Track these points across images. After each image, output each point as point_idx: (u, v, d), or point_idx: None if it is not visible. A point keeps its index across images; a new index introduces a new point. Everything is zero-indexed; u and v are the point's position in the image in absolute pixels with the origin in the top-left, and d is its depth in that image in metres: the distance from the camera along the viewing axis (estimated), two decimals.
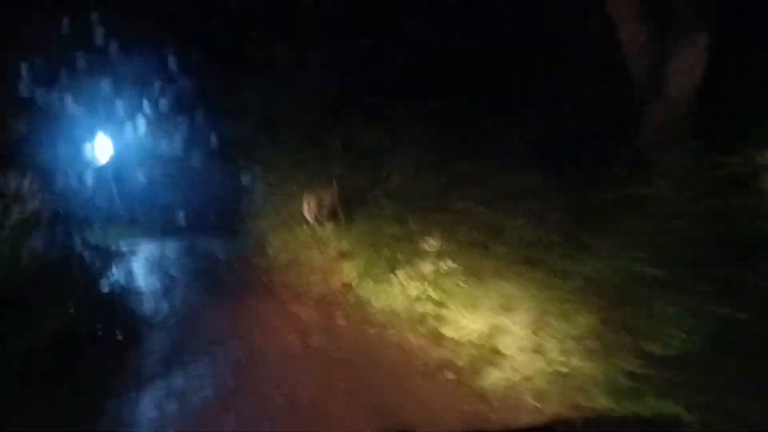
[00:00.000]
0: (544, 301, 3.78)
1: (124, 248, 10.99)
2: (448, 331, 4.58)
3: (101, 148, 11.71)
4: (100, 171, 11.21)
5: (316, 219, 7.62)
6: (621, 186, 3.41)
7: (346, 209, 7.10)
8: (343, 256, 6.81)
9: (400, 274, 5.61)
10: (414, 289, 5.41)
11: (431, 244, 5.21)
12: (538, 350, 3.60)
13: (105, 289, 7.70)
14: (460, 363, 4.32)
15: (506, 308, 4.00)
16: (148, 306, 6.85)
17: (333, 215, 7.41)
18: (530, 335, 3.63)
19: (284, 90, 7.30)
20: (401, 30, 5.84)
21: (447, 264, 5.01)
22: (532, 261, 3.90)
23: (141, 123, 11.44)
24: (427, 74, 5.75)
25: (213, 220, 11.93)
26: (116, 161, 12.07)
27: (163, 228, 13.16)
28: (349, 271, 6.60)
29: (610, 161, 3.86)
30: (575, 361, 3.32)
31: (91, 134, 10.87)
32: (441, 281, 5.02)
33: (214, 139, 10.35)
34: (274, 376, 4.49)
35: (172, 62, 10.06)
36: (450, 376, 4.29)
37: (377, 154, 6.30)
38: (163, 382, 4.50)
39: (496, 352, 3.96)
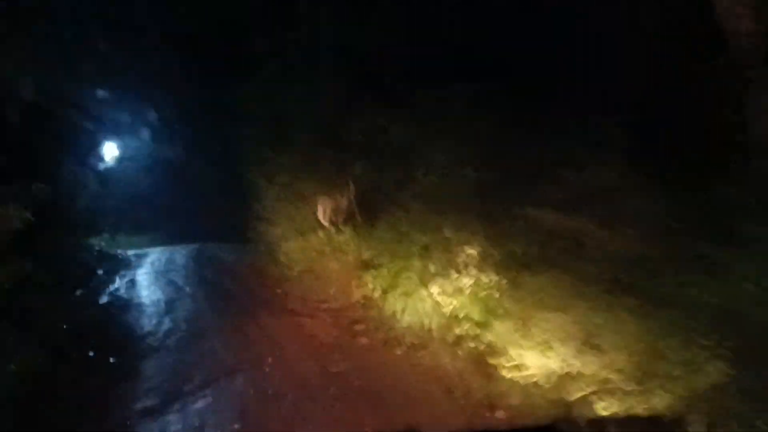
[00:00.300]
0: (648, 339, 2.79)
1: (129, 255, 10.56)
2: (498, 363, 3.74)
3: (106, 153, 11.44)
4: (106, 176, 10.85)
5: (332, 224, 6.80)
6: (739, 185, 2.51)
7: (368, 213, 6.21)
8: (364, 265, 6.00)
9: (433, 287, 4.80)
10: (449, 305, 4.62)
11: (470, 254, 4.37)
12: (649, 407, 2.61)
13: (103, 300, 7.16)
14: (514, 401, 3.53)
15: (587, 343, 3.01)
16: (147, 324, 6.12)
17: (351, 220, 6.57)
18: (634, 386, 2.61)
19: (292, 80, 6.46)
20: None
21: (490, 278, 4.19)
22: (624, 282, 2.94)
23: (144, 127, 11.14)
24: (465, 51, 4.82)
25: (222, 225, 11.33)
26: (121, 166, 11.81)
27: (170, 234, 12.68)
28: (371, 282, 5.81)
29: (713, 157, 2.95)
30: None
31: (96, 139, 10.63)
32: (484, 299, 4.20)
33: (221, 139, 9.97)
34: (288, 416, 3.74)
35: (173, 63, 9.81)
36: (501, 415, 3.52)
37: (405, 148, 5.40)
38: (156, 422, 3.76)
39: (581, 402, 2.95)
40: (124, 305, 7.02)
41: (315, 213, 6.98)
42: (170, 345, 5.40)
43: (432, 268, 4.80)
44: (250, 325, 5.77)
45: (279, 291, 7.12)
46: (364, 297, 5.81)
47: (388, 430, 3.49)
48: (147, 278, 8.68)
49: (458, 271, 4.43)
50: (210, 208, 11.79)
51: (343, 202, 6.60)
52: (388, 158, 5.74)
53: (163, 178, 12.44)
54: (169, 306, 6.85)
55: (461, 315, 4.42)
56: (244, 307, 6.56)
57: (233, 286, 8.01)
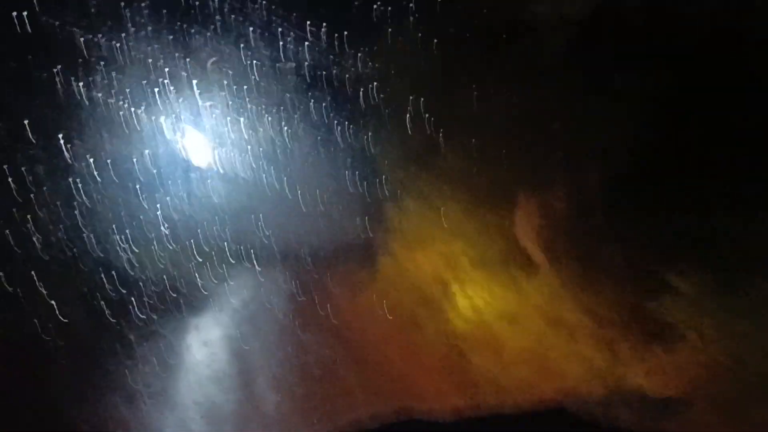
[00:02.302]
0: None
1: (196, 288, 7.36)
2: None
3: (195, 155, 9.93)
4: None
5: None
6: None
7: None
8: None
9: None
10: None
11: None
12: None
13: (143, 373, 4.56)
14: None
15: None
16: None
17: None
18: None
19: None
20: None
21: None
22: None
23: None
24: None
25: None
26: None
27: (257, 257, 8.71)
28: None
29: None
30: None
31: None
32: None
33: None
34: None
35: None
36: None
37: None
38: None
39: None
40: (175, 384, 4.11)
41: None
42: None
43: None
44: None
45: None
46: None
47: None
48: (215, 331, 5.60)
49: None
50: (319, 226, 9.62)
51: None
52: None
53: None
54: (242, 391, 4.17)
55: None
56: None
57: (345, 370, 6.04)
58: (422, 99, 3.85)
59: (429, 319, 4.71)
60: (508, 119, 4.03)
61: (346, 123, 3.55)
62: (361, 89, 3.55)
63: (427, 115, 3.90)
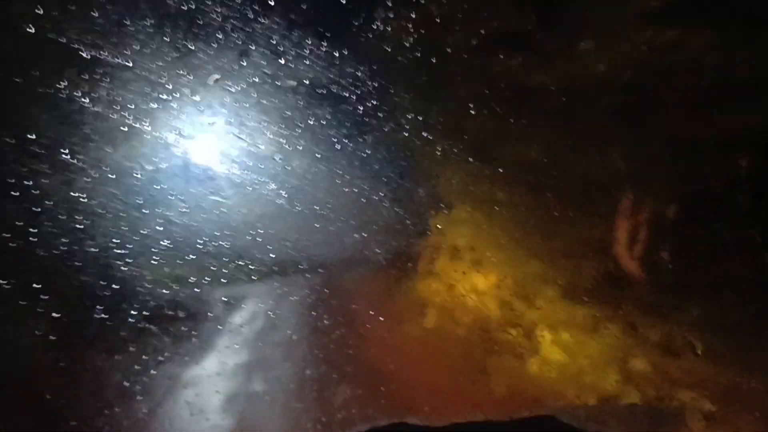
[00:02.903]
0: None
1: (218, 301, 7.77)
2: None
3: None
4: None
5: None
6: None
7: None
8: None
9: None
10: None
11: None
12: None
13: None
14: None
15: None
16: None
17: None
18: None
19: None
20: None
21: None
22: None
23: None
24: None
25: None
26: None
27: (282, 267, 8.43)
28: None
29: None
30: None
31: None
32: None
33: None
34: None
35: None
36: None
37: None
38: None
39: None
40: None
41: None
42: None
43: None
44: None
45: None
46: None
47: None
48: (235, 350, 6.45)
49: None
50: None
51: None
52: None
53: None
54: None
55: None
56: None
57: None
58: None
59: (501, 371, 3.28)
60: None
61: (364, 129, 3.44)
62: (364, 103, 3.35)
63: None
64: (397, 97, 3.34)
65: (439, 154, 3.40)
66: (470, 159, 3.37)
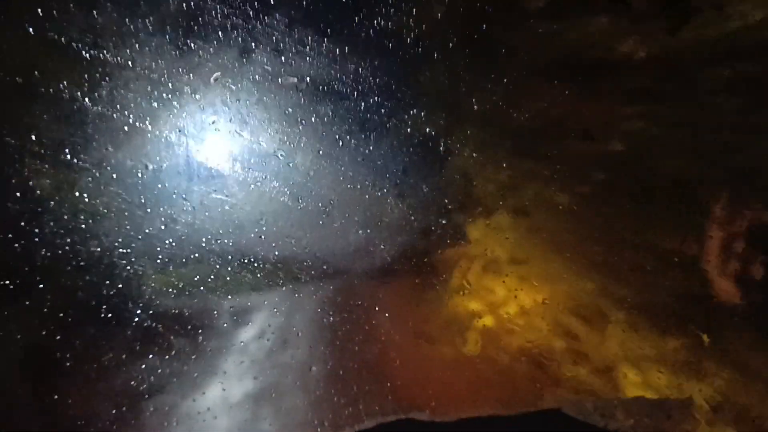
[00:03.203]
0: None
1: (222, 299, 7.30)
2: None
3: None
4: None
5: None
6: None
7: None
8: None
9: None
10: None
11: None
12: None
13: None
14: None
15: None
16: None
17: None
18: None
19: None
20: None
21: None
22: None
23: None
24: None
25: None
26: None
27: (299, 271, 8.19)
28: None
29: None
30: None
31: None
32: None
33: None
34: None
35: None
36: None
37: None
38: None
39: None
40: None
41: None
42: None
43: None
44: None
45: None
46: None
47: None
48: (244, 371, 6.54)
49: None
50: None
51: None
52: None
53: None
54: None
55: None
56: None
57: None
58: None
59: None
60: None
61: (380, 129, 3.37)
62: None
63: None
64: (413, 89, 2.95)
65: (473, 149, 2.86)
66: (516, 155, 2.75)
